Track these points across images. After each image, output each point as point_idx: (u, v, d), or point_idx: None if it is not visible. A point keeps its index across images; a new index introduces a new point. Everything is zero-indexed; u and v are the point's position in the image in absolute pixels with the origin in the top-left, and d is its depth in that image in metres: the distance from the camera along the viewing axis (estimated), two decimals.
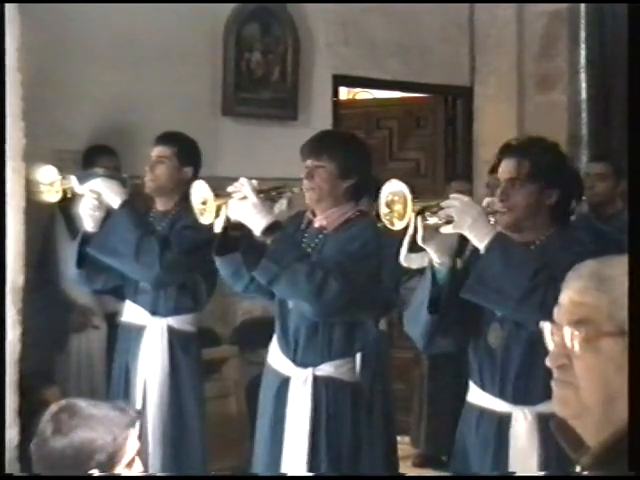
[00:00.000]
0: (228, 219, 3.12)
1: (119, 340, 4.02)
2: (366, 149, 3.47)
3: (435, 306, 2.64)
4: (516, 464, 2.68)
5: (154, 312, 3.88)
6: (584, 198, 4.25)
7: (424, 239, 2.56)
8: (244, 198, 3.09)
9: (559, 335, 1.35)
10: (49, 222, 4.60)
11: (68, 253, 3.94)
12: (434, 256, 2.61)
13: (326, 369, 3.24)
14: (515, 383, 2.71)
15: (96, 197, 3.66)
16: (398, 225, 2.55)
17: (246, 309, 5.27)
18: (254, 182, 3.14)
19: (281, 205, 3.21)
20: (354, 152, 3.31)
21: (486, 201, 2.74)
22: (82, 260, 3.76)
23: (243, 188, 3.10)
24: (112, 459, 2.05)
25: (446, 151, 6.43)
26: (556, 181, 2.75)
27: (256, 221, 3.07)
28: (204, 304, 3.98)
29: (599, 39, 5.90)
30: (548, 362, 1.37)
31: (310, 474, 3.18)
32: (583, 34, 5.90)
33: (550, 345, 1.37)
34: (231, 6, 5.31)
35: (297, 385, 3.25)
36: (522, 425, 2.69)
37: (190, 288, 3.90)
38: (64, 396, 3.21)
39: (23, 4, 3.55)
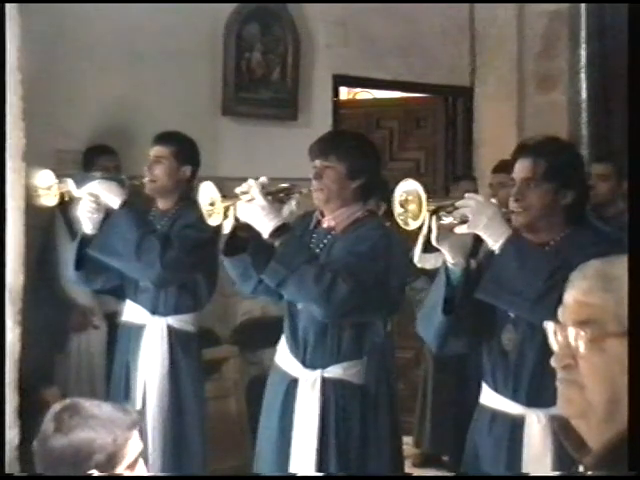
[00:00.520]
0: (237, 220, 3.10)
1: (119, 339, 4.02)
2: (375, 149, 3.45)
3: (449, 307, 2.62)
4: (530, 466, 2.67)
5: (154, 311, 3.88)
6: None
7: (438, 239, 2.54)
8: (252, 200, 3.06)
9: (564, 335, 1.35)
10: (49, 222, 4.60)
11: (68, 254, 3.93)
12: (448, 256, 2.60)
13: (335, 371, 3.23)
14: (529, 385, 2.69)
15: (94, 200, 3.66)
16: (412, 225, 2.53)
17: (246, 309, 5.27)
18: (263, 180, 3.10)
19: (290, 206, 3.19)
20: (363, 152, 3.29)
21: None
22: (80, 262, 3.76)
23: (251, 190, 3.07)
24: (112, 460, 2.05)
25: (446, 151, 6.43)
26: (571, 181, 2.73)
27: (264, 223, 3.04)
28: (204, 303, 3.98)
29: (599, 39, 5.90)
30: (552, 362, 1.37)
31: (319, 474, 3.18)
32: (583, 34, 5.90)
33: (554, 345, 1.37)
34: (231, 6, 5.31)
35: (305, 387, 3.23)
36: (536, 427, 2.67)
37: (190, 287, 3.90)
38: (64, 396, 3.21)
39: (23, 4, 3.55)
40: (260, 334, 4.86)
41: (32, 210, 3.70)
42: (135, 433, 2.10)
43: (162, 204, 3.97)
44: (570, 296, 1.37)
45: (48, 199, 3.66)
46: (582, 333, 1.32)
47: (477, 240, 2.61)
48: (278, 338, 3.40)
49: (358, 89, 7.15)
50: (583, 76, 5.90)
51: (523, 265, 2.54)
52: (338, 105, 5.97)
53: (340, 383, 3.23)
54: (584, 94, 5.90)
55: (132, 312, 3.94)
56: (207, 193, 3.11)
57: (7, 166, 3.32)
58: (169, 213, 3.92)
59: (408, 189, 2.54)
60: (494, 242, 2.57)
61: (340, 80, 5.88)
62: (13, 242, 3.45)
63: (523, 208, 2.68)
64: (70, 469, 2.04)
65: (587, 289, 1.35)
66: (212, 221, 3.11)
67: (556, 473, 2.61)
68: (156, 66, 5.03)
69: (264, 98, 5.45)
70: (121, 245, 3.66)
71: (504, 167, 3.76)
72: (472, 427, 2.87)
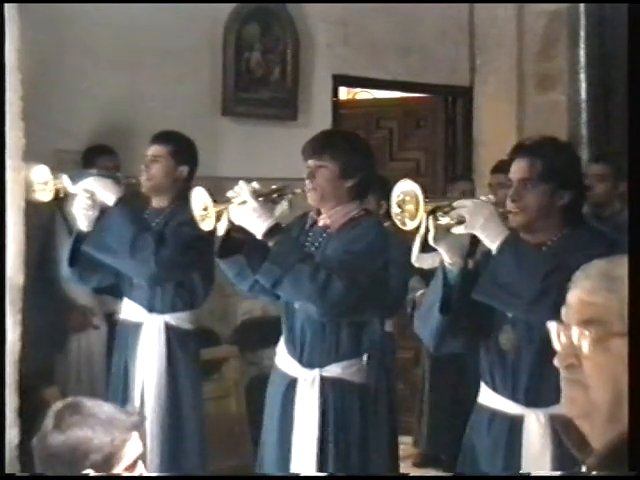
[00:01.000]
0: (231, 222, 3.11)
1: (117, 337, 4.03)
2: (368, 148, 3.45)
3: (446, 307, 2.62)
4: (528, 466, 2.66)
5: (151, 309, 3.88)
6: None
7: (435, 239, 2.55)
8: (244, 202, 3.08)
9: (567, 335, 1.35)
10: (49, 221, 4.60)
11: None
12: (445, 256, 2.60)
13: (333, 370, 3.23)
14: (527, 385, 2.70)
15: (89, 196, 3.67)
16: (410, 225, 2.54)
17: (246, 309, 5.28)
18: (254, 185, 3.12)
19: (282, 207, 3.20)
20: (356, 151, 3.30)
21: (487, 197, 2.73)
22: (75, 259, 3.76)
23: (242, 192, 3.08)
24: (108, 460, 2.04)
25: (446, 151, 6.44)
26: (569, 182, 2.73)
27: (257, 225, 3.06)
28: (201, 301, 3.98)
29: (599, 39, 5.90)
30: (556, 362, 1.37)
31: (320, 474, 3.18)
32: (583, 34, 5.90)
33: (557, 345, 1.37)
34: (231, 6, 5.31)
35: (304, 386, 3.24)
36: (535, 427, 2.68)
37: (187, 285, 3.90)
38: (64, 396, 3.21)
39: (23, 4, 3.55)
40: (260, 334, 4.86)
41: (32, 209, 3.70)
42: (134, 435, 2.09)
43: (158, 202, 3.97)
44: (574, 296, 1.37)
45: (43, 194, 3.67)
46: (586, 333, 1.32)
47: (474, 240, 2.62)
48: (278, 338, 3.40)
49: (358, 89, 7.15)
50: (583, 76, 5.90)
51: (520, 265, 2.54)
52: (338, 105, 5.97)
53: (339, 382, 3.23)
54: (584, 94, 5.90)
55: (129, 310, 3.95)
56: (199, 198, 3.12)
57: (7, 166, 3.31)
58: (164, 212, 3.92)
59: (405, 189, 2.55)
60: (491, 242, 2.57)
61: (340, 80, 5.88)
62: (13, 242, 3.45)
63: (520, 208, 2.68)
64: (66, 467, 2.04)
65: (591, 289, 1.35)
66: (205, 226, 3.12)
67: (556, 473, 2.62)
68: (156, 66, 5.03)
69: (264, 98, 5.45)
70: (115, 242, 3.66)
71: (503, 167, 3.74)
72: (470, 427, 2.87)
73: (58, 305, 4.52)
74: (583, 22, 5.89)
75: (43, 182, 3.65)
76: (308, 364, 3.25)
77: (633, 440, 1.26)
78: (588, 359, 1.32)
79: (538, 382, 2.67)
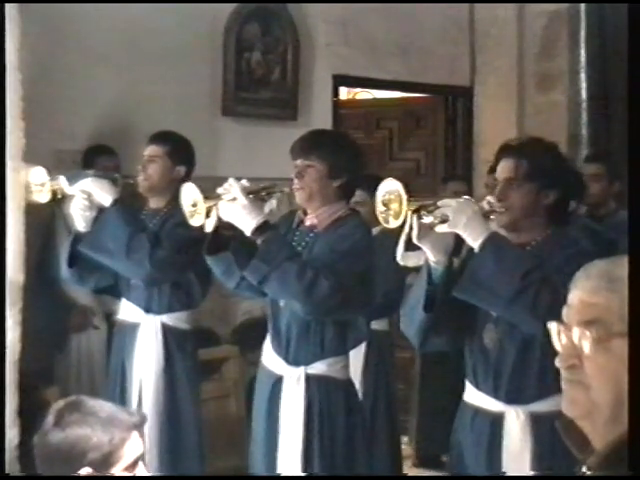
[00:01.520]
0: (219, 219, 3.14)
1: (115, 338, 4.04)
2: (356, 148, 3.47)
3: (430, 305, 2.65)
4: (509, 463, 2.70)
5: (148, 310, 3.89)
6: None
7: (420, 237, 2.58)
8: (233, 199, 3.10)
9: (568, 335, 1.35)
10: (49, 222, 4.60)
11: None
12: (430, 254, 2.63)
13: (318, 367, 3.25)
14: (508, 382, 2.72)
15: (86, 197, 3.67)
16: (393, 223, 2.57)
17: (246, 309, 5.27)
18: (244, 182, 3.15)
19: (271, 204, 3.22)
20: (344, 151, 3.32)
21: (486, 200, 2.75)
22: (74, 259, 3.77)
23: (232, 189, 3.11)
24: (107, 460, 2.04)
25: (446, 151, 6.44)
26: (554, 182, 2.76)
27: (246, 222, 3.09)
28: (199, 301, 3.99)
29: (599, 39, 5.91)
30: (557, 362, 1.36)
31: (304, 474, 3.19)
32: (583, 34, 5.91)
33: (558, 345, 1.36)
34: (231, 6, 5.31)
35: (290, 384, 3.26)
36: (515, 424, 2.71)
37: (184, 285, 3.90)
38: (64, 396, 3.21)
39: (23, 4, 3.55)
40: (260, 334, 4.84)
41: (32, 210, 3.70)
42: (134, 435, 2.09)
43: (154, 203, 3.98)
44: (575, 296, 1.37)
45: (41, 196, 3.67)
46: (587, 333, 1.32)
47: (460, 239, 2.64)
48: None
49: (358, 89, 7.16)
50: (583, 76, 5.90)
51: (500, 264, 2.57)
52: (338, 105, 5.97)
53: (324, 379, 3.26)
54: (584, 94, 5.90)
55: (127, 311, 3.96)
56: (189, 194, 3.14)
57: (7, 166, 3.31)
58: (161, 212, 3.92)
59: (390, 189, 2.58)
60: (473, 241, 2.60)
61: (340, 80, 5.88)
62: (13, 242, 3.45)
63: (505, 208, 2.71)
64: (64, 464, 2.04)
65: (592, 289, 1.35)
66: (194, 222, 3.15)
67: (535, 472, 2.63)
68: (156, 66, 5.03)
69: (264, 98, 5.45)
70: (111, 243, 3.68)
71: None
72: (456, 424, 2.90)
73: (58, 305, 4.52)
74: (583, 22, 5.89)
75: (40, 183, 3.65)
76: (294, 362, 3.27)
77: (633, 440, 1.26)
78: (589, 359, 1.32)
79: (519, 380, 2.71)
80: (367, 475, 3.37)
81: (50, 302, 4.43)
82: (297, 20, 5.54)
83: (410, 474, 5.21)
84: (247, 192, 3.12)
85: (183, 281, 3.89)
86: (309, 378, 3.24)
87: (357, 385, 3.79)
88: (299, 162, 3.27)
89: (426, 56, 6.08)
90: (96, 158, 4.66)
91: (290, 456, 3.22)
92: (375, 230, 3.47)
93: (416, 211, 2.56)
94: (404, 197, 2.53)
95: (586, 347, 1.32)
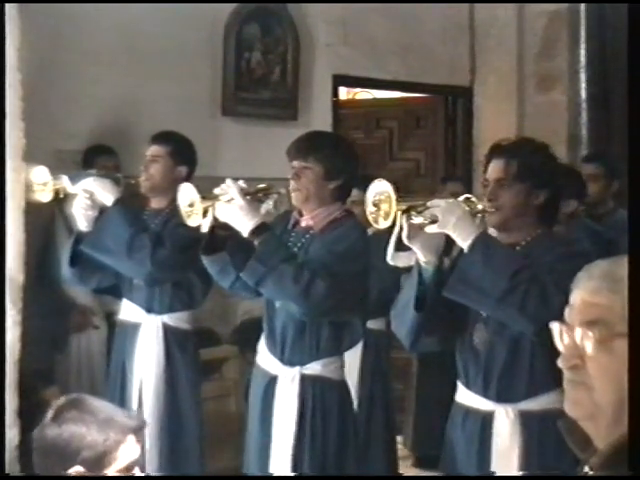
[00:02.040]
0: (216, 219, 3.15)
1: (116, 338, 4.04)
2: (353, 150, 3.49)
3: (421, 305, 2.66)
4: (498, 462, 2.72)
5: (149, 309, 3.89)
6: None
7: (410, 237, 2.59)
8: (231, 200, 3.11)
9: (571, 336, 1.35)
10: (49, 222, 4.60)
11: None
12: (420, 255, 2.64)
13: (313, 368, 3.26)
14: (498, 382, 2.74)
15: (89, 196, 3.68)
16: (383, 224, 2.58)
17: (246, 309, 5.27)
18: (241, 183, 3.16)
19: (267, 206, 3.23)
20: (340, 153, 3.33)
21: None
22: (75, 259, 3.78)
23: (229, 190, 3.12)
24: (100, 460, 2.04)
25: (446, 151, 6.44)
26: (544, 182, 2.77)
27: (243, 223, 3.10)
28: (200, 301, 3.99)
29: (599, 39, 5.91)
30: (560, 363, 1.36)
31: (293, 474, 3.20)
32: (583, 34, 5.91)
33: (560, 346, 1.36)
34: (231, 6, 5.31)
35: (284, 384, 3.27)
36: (504, 423, 2.72)
37: (185, 285, 3.91)
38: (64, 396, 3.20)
39: (23, 4, 3.54)
40: (260, 334, 4.85)
41: (32, 210, 3.70)
42: (130, 438, 2.08)
43: (156, 203, 3.98)
44: (577, 296, 1.37)
45: (43, 195, 3.67)
46: (589, 334, 1.32)
47: (450, 239, 2.65)
48: None
49: (358, 89, 7.15)
50: (583, 76, 5.90)
51: (489, 264, 2.57)
52: (338, 105, 5.97)
53: (319, 379, 3.26)
54: (584, 94, 5.90)
55: (128, 310, 3.96)
56: (186, 194, 3.15)
57: (7, 166, 3.31)
58: (162, 212, 3.93)
59: (380, 190, 2.59)
60: (463, 241, 2.61)
61: (340, 80, 5.88)
62: (13, 242, 3.44)
63: (496, 208, 2.72)
64: (58, 460, 2.04)
65: (594, 289, 1.35)
66: (191, 222, 3.16)
67: (524, 471, 2.64)
68: (156, 66, 5.03)
69: (264, 98, 5.46)
70: (113, 242, 3.68)
71: None
72: (448, 424, 2.91)
73: (58, 305, 4.52)
74: (583, 22, 5.89)
75: (42, 183, 3.65)
76: (289, 362, 3.28)
77: (633, 440, 1.26)
78: (592, 360, 1.32)
79: (509, 379, 2.72)
80: (364, 475, 3.37)
81: (50, 302, 4.43)
82: (297, 20, 5.54)
83: (410, 474, 5.21)
84: (244, 193, 3.13)
85: (184, 281, 3.89)
86: (304, 378, 3.25)
87: (354, 385, 3.80)
88: (296, 164, 3.28)
89: (426, 56, 6.08)
90: (96, 158, 4.66)
91: (282, 455, 3.22)
92: (370, 230, 3.48)
93: (406, 211, 2.58)
94: (393, 198, 2.54)
95: (588, 347, 1.32)
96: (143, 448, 2.18)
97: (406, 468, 5.18)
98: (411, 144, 6.51)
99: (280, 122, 5.48)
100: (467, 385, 2.82)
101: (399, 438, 5.51)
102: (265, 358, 3.36)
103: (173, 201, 3.84)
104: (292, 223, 3.39)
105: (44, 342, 4.38)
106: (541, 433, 2.64)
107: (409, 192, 5.69)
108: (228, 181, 3.16)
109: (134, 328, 3.90)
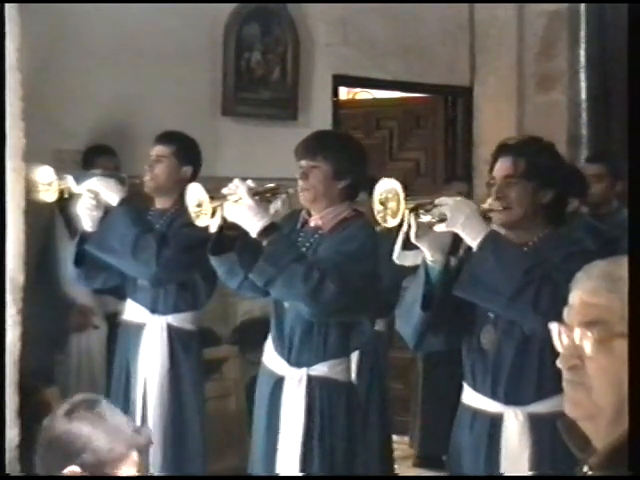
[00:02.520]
0: (224, 219, 3.13)
1: (119, 338, 4.03)
2: (361, 149, 3.46)
3: (428, 304, 2.64)
4: (507, 464, 2.70)
5: (154, 310, 3.89)
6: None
7: (417, 236, 2.57)
8: (239, 200, 3.09)
9: (570, 336, 1.34)
10: (49, 222, 4.60)
11: (68, 253, 3.94)
12: (427, 253, 2.63)
13: (321, 369, 3.25)
14: (507, 384, 2.72)
15: (94, 196, 3.67)
16: (391, 222, 2.57)
17: (246, 309, 5.27)
18: (249, 183, 3.14)
19: (276, 206, 3.21)
20: (349, 152, 3.31)
21: (488, 201, 2.75)
22: (80, 259, 3.77)
23: (238, 190, 3.10)
24: (98, 467, 2.02)
25: (446, 151, 6.44)
26: (551, 181, 2.77)
27: (252, 223, 3.08)
28: (204, 302, 3.99)
29: (599, 39, 5.90)
30: (559, 363, 1.36)
31: (302, 474, 3.19)
32: (583, 34, 5.90)
33: (559, 346, 1.36)
34: (231, 6, 5.31)
35: (291, 385, 3.25)
36: (514, 425, 2.71)
37: (189, 286, 3.90)
38: (64, 396, 3.20)
39: (23, 4, 3.55)
40: (260, 334, 4.83)
41: (32, 210, 3.70)
42: (133, 456, 2.05)
43: (161, 203, 3.98)
44: (576, 296, 1.37)
45: (48, 195, 3.67)
46: (589, 334, 1.32)
47: (457, 238, 2.64)
48: None
49: (358, 89, 7.15)
50: (583, 76, 5.90)
51: (500, 262, 2.57)
52: (338, 105, 5.97)
53: (326, 381, 3.25)
54: (584, 94, 5.90)
55: (132, 311, 3.95)
56: (194, 194, 3.13)
57: (7, 166, 3.31)
58: (167, 212, 3.93)
59: (387, 188, 2.58)
60: (472, 240, 2.60)
61: (340, 80, 5.88)
62: (13, 242, 3.45)
63: (503, 206, 2.71)
64: (60, 455, 2.03)
65: (593, 289, 1.35)
66: (200, 222, 3.14)
67: (534, 473, 2.63)
68: (156, 66, 5.03)
69: (264, 98, 5.45)
70: (117, 242, 3.67)
71: None
72: (455, 426, 2.90)
73: (58, 305, 4.52)
74: (583, 22, 5.89)
75: (47, 183, 3.65)
76: (296, 363, 3.26)
77: (633, 440, 1.26)
78: (591, 360, 1.32)
79: (517, 381, 2.71)
80: (363, 475, 3.36)
81: (50, 302, 4.43)
82: (297, 20, 5.54)
83: (411, 474, 5.21)
84: (253, 193, 3.11)
85: (189, 282, 3.89)
86: (311, 379, 3.23)
87: None
88: (304, 163, 3.25)
89: (426, 56, 6.08)
90: (96, 158, 4.66)
91: (289, 456, 3.21)
92: (377, 229, 3.47)
93: (414, 210, 2.56)
94: (401, 196, 2.53)
95: (587, 348, 1.31)
96: (144, 467, 2.16)
97: (407, 468, 5.18)
98: (411, 144, 6.51)
99: (280, 122, 5.48)
100: (474, 387, 2.80)
101: (405, 439, 5.52)
102: (272, 359, 3.34)
103: (178, 201, 3.86)
104: (301, 223, 3.36)
105: (44, 342, 4.37)
106: (551, 436, 2.61)
107: (409, 192, 5.68)
108: (236, 181, 3.13)
109: (138, 328, 3.89)
